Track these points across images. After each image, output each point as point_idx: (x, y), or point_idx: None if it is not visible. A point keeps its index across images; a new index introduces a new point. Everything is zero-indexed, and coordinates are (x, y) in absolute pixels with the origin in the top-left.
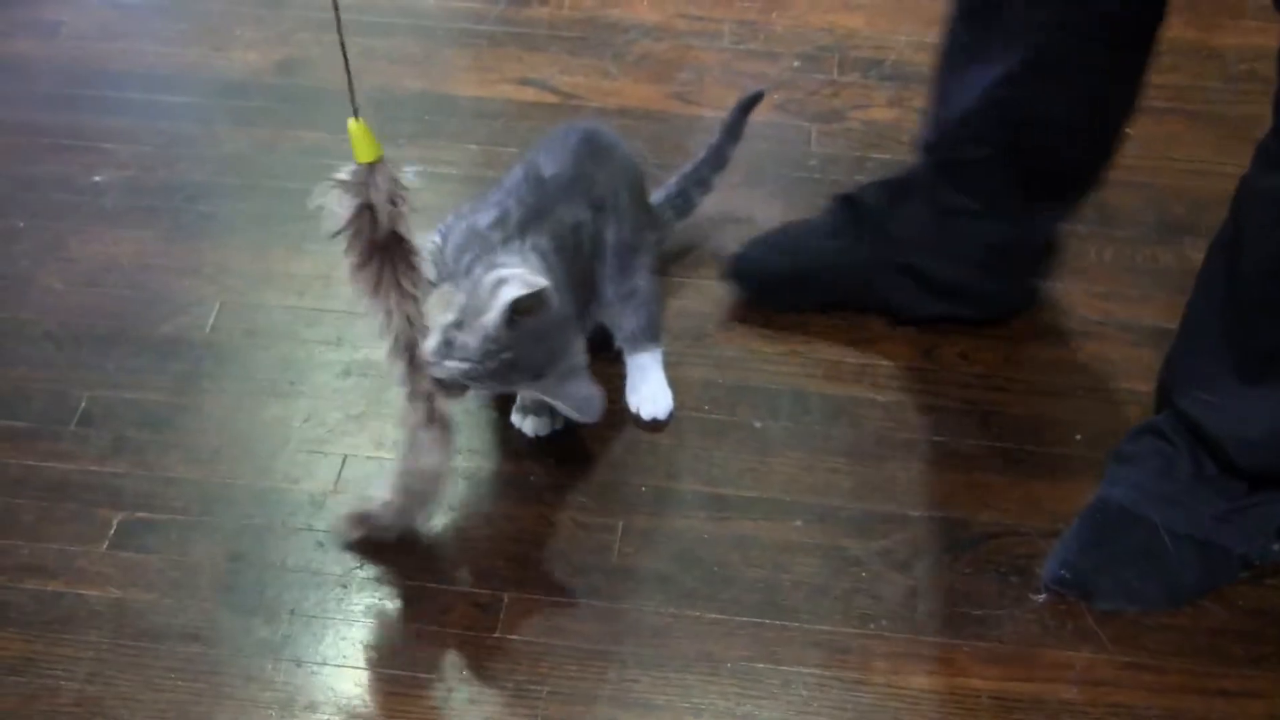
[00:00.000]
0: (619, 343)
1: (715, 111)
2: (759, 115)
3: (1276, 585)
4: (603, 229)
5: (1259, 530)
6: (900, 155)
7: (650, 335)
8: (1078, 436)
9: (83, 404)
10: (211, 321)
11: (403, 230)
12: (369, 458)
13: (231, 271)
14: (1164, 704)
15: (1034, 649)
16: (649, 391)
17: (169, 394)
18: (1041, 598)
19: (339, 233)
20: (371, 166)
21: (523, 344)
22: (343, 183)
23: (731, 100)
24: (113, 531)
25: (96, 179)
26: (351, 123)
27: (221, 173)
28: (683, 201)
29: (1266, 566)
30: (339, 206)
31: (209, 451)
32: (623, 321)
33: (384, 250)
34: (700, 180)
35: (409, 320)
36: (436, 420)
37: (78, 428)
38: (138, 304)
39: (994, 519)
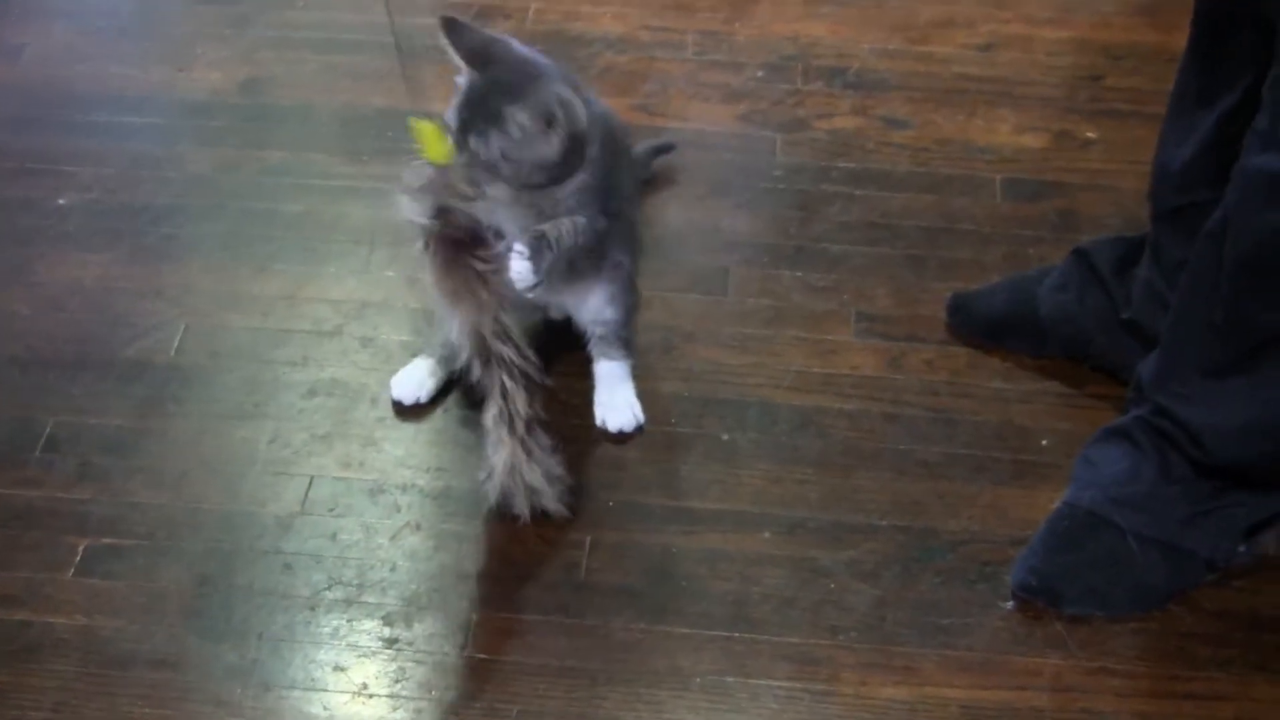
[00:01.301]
0: (589, 347)
1: (680, 123)
2: (724, 125)
3: (1242, 588)
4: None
5: (1224, 533)
6: (864, 164)
7: (624, 339)
8: (1044, 442)
9: (48, 430)
10: (176, 344)
11: (481, 231)
12: (336, 478)
13: (196, 293)
14: (1133, 708)
15: (1003, 656)
16: (616, 402)
17: (134, 418)
18: (1010, 605)
19: (426, 244)
20: (442, 168)
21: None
22: (414, 189)
23: (696, 111)
24: (79, 558)
25: (61, 202)
26: (424, 124)
27: (186, 194)
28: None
29: (1232, 569)
30: (415, 214)
31: (174, 475)
32: (597, 306)
33: (463, 254)
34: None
35: (490, 330)
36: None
37: (43, 454)
38: (103, 327)
39: (961, 527)
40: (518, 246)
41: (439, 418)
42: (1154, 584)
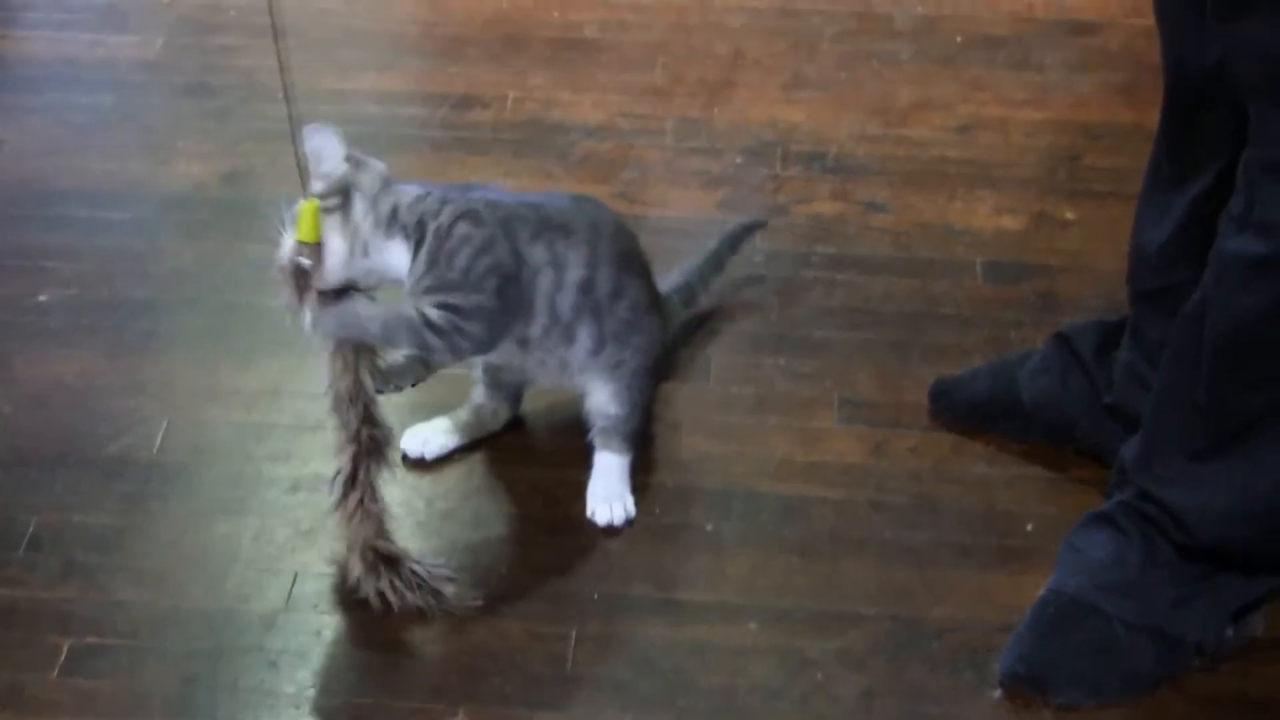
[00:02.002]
0: (590, 435)
1: (660, 210)
2: (703, 212)
3: (1232, 672)
4: (570, 264)
5: (1212, 617)
6: (844, 249)
7: (625, 434)
8: (1029, 526)
9: (30, 528)
10: (159, 440)
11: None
12: (320, 574)
13: (178, 388)
14: None
15: None
16: (609, 495)
17: (117, 516)
18: (998, 693)
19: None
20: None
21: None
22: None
23: (676, 198)
24: (63, 658)
25: (41, 298)
26: (305, 204)
27: (166, 288)
28: (687, 292)
29: (1222, 653)
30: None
31: (158, 573)
32: (601, 400)
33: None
34: (702, 275)
35: (346, 390)
36: (363, 483)
37: (26, 553)
38: (84, 425)
39: (948, 614)
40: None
41: (422, 511)
42: (1143, 670)
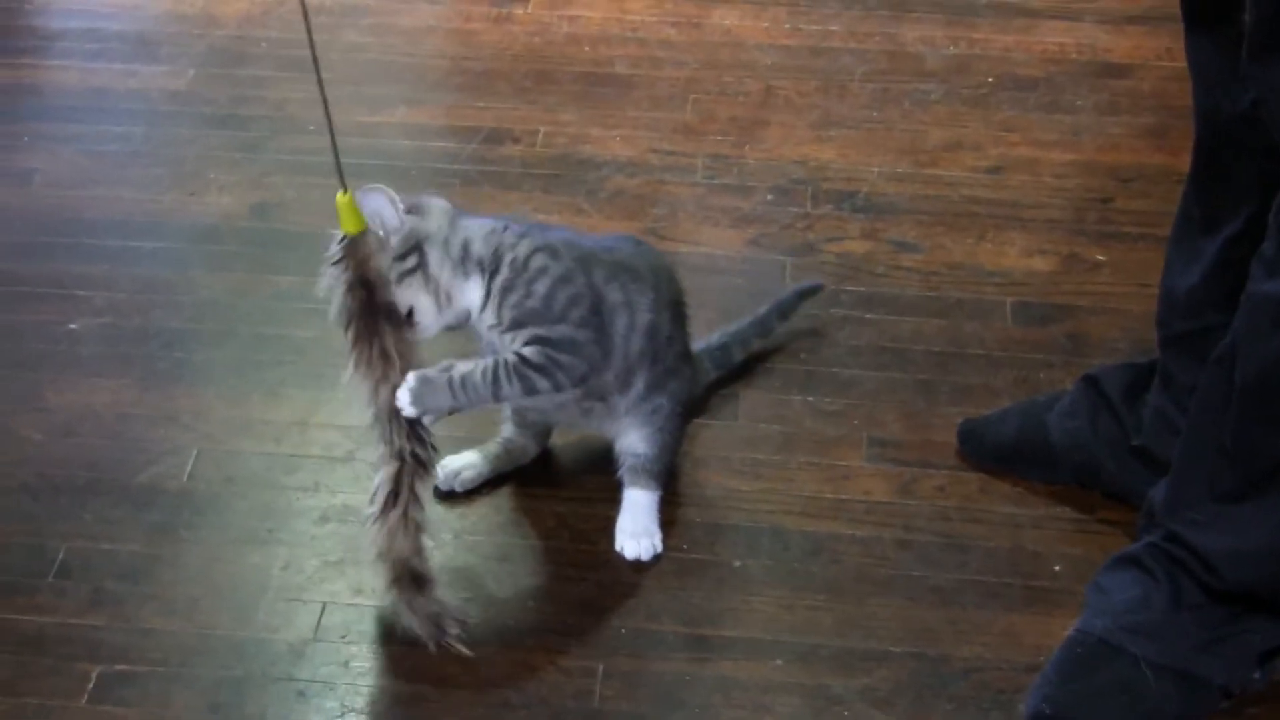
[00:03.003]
0: (620, 472)
1: (690, 247)
2: (733, 249)
3: (1257, 715)
4: (640, 308)
5: (1239, 659)
6: (874, 288)
7: (654, 472)
8: (1056, 568)
9: (60, 556)
10: (189, 470)
11: (397, 311)
12: (348, 604)
13: (208, 419)
14: None
15: None
16: (637, 530)
17: (146, 544)
18: None
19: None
20: (355, 239)
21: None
22: (334, 260)
23: (706, 235)
24: (91, 685)
25: (72, 327)
26: (342, 196)
27: (197, 319)
28: (722, 354)
29: (1247, 696)
30: (332, 282)
31: (187, 602)
32: (632, 441)
33: (377, 327)
34: (743, 340)
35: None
36: (405, 499)
37: (55, 580)
38: (114, 453)
39: (974, 653)
40: (410, 377)
41: (450, 544)
42: (1169, 712)
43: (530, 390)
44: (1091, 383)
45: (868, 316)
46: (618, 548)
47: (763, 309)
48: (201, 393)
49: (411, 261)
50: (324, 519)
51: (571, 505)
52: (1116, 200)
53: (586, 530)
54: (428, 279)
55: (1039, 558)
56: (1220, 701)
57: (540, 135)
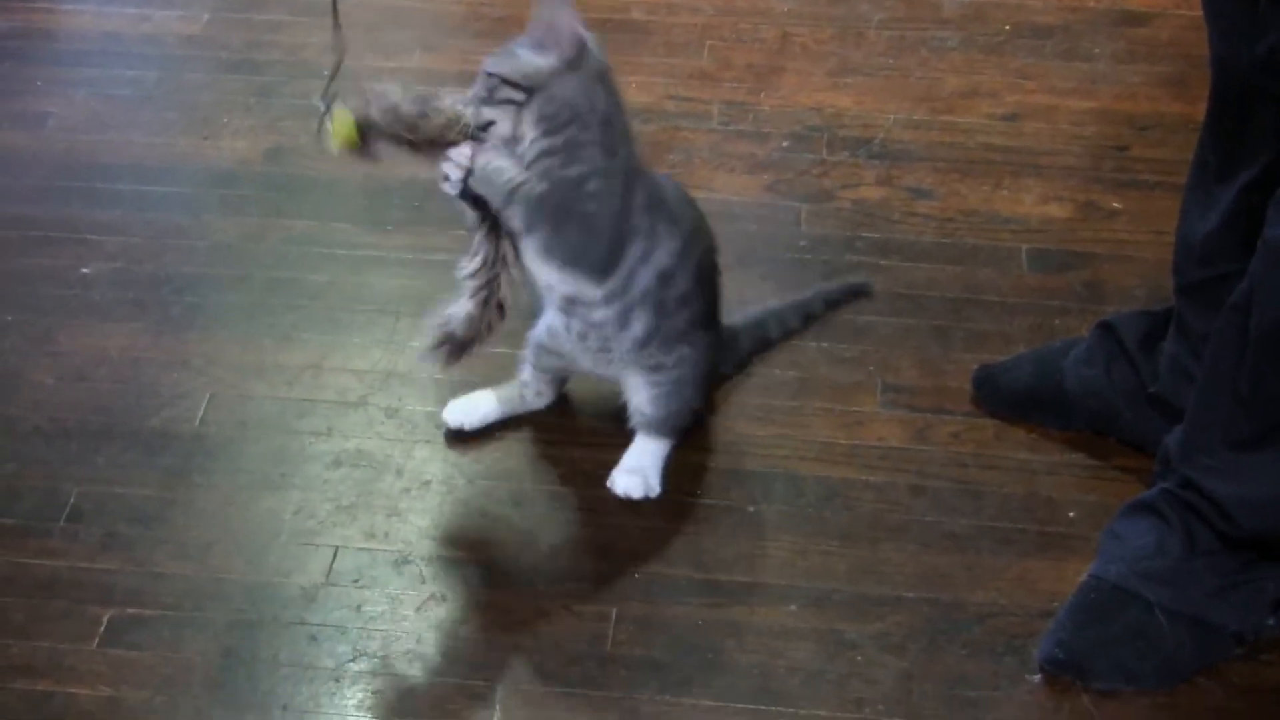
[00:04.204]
0: (632, 423)
1: (706, 193)
2: (749, 195)
3: (1271, 661)
4: (660, 248)
5: (1252, 606)
6: (890, 234)
7: (662, 431)
8: (1071, 514)
9: (72, 500)
10: (201, 414)
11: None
12: (360, 549)
13: (221, 363)
14: None
15: None
16: (633, 467)
17: (159, 488)
18: (1037, 678)
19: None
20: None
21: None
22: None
23: (721, 181)
24: (103, 629)
25: (85, 271)
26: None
27: (211, 263)
28: (759, 330)
29: (1261, 642)
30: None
31: (199, 546)
32: (640, 399)
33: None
34: (781, 320)
35: None
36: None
37: (67, 524)
38: (127, 398)
39: (988, 599)
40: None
41: (463, 488)
42: (1182, 658)
43: (529, 227)
44: (1107, 330)
45: (883, 263)
46: (609, 483)
47: (808, 293)
48: (214, 337)
49: (520, 96)
50: (336, 463)
51: (586, 451)
52: (1133, 148)
53: (601, 476)
54: (519, 119)
55: (1053, 504)
56: (1234, 648)
57: None
